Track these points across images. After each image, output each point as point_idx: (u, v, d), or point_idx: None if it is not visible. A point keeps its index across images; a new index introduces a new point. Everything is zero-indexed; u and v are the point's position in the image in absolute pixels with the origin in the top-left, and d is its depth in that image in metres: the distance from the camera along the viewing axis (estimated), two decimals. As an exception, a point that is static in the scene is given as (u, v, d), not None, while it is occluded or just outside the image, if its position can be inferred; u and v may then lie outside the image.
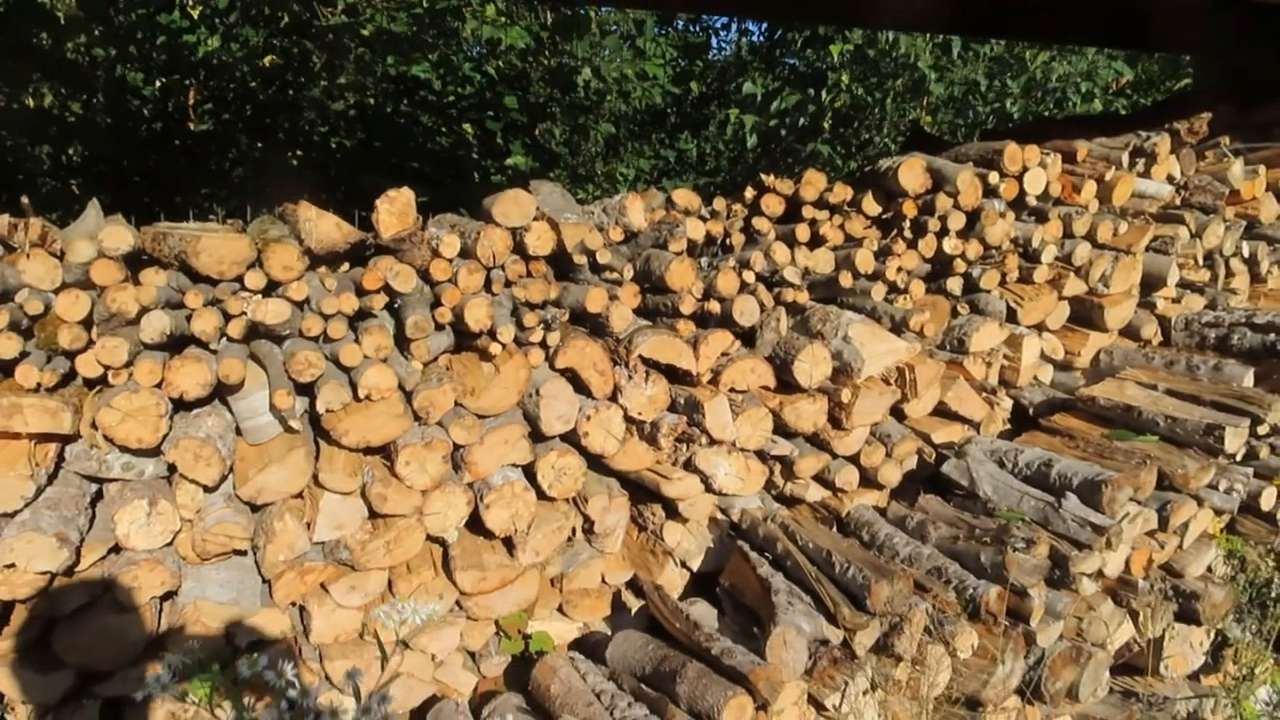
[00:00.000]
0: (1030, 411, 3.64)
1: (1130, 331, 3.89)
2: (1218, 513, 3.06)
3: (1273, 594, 3.05)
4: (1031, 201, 3.65)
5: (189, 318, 2.54)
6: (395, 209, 2.80)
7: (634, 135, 10.25)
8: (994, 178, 3.54)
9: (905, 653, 2.45)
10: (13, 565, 2.24)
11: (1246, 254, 4.20)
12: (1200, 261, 4.05)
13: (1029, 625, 2.62)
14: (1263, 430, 3.14)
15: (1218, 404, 3.18)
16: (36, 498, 2.37)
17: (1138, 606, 2.85)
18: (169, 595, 2.49)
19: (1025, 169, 3.60)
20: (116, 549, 2.46)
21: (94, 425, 2.42)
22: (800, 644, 2.37)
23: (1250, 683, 3.05)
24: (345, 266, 2.87)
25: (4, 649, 2.31)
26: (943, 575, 2.67)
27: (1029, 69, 8.01)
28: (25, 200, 2.80)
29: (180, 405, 2.54)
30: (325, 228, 2.69)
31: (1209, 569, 3.06)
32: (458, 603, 2.79)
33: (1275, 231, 4.27)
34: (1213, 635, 3.03)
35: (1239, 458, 3.14)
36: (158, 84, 7.12)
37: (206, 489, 2.52)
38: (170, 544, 2.46)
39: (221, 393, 2.62)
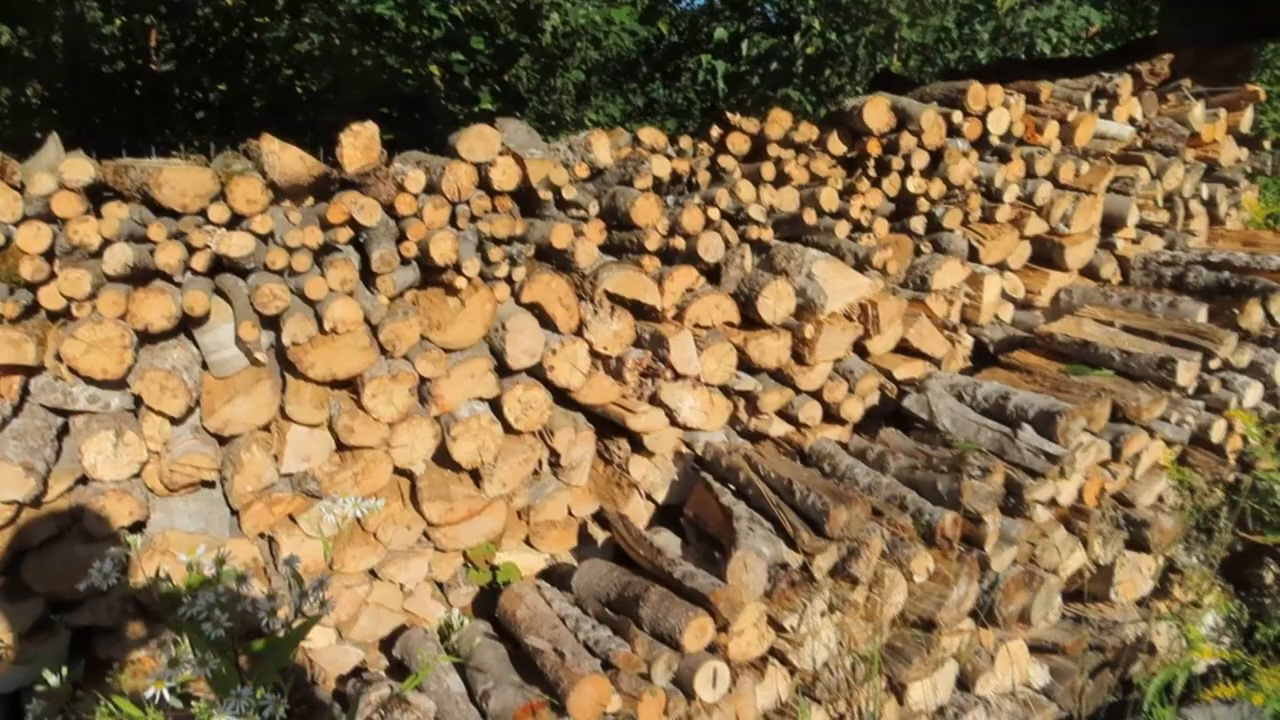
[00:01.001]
0: (991, 349, 3.71)
1: (1090, 271, 3.95)
2: (1169, 444, 3.15)
3: (1220, 523, 3.15)
4: (995, 141, 3.68)
5: (152, 251, 2.53)
6: (359, 143, 2.79)
7: (606, 84, 10.16)
8: (958, 117, 3.57)
9: (862, 576, 2.52)
10: (-21, 494, 2.25)
11: (1206, 196, 4.26)
12: (1160, 203, 4.10)
13: (983, 550, 2.70)
14: (1214, 365, 3.22)
15: (1172, 339, 3.25)
16: (2, 429, 2.38)
17: (1090, 534, 2.93)
18: (138, 526, 2.51)
19: (989, 109, 3.62)
20: (84, 480, 2.47)
21: (58, 357, 2.43)
22: (760, 567, 2.44)
23: (1198, 609, 3.16)
24: (310, 202, 2.86)
25: (-27, 577, 2.34)
26: (901, 503, 2.74)
27: (998, 15, 8.01)
28: (-19, 133, 2.76)
29: (145, 338, 2.55)
30: (288, 160, 2.68)
31: (1160, 499, 3.16)
32: (425, 534, 2.83)
33: (1234, 174, 4.34)
34: (1161, 562, 3.13)
35: (1190, 391, 3.22)
36: (117, 23, 6.96)
37: (173, 421, 2.53)
38: (138, 475, 2.48)
39: (187, 326, 2.63)
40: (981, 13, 8.18)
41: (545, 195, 3.03)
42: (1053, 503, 2.85)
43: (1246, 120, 4.36)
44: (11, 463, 2.25)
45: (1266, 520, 3.12)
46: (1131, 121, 4.11)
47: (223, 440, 2.63)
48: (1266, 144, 4.41)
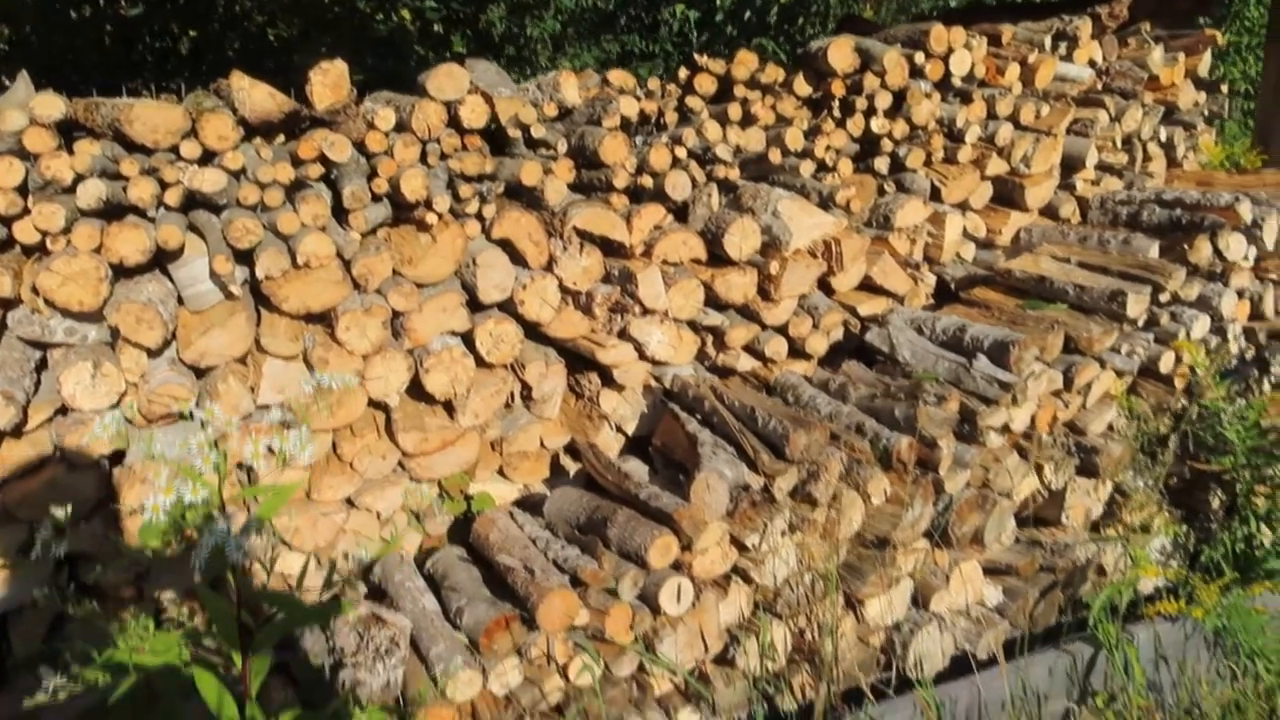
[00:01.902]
0: (953, 286, 3.80)
1: (1050, 211, 4.04)
2: (1119, 374, 3.25)
3: (1166, 450, 3.27)
4: (957, 83, 3.75)
5: (125, 187, 2.58)
6: (329, 80, 2.83)
7: (582, 35, 10.12)
8: (920, 58, 3.63)
9: (821, 497, 2.62)
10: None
11: (1164, 139, 4.35)
12: (1119, 145, 4.19)
13: (938, 474, 2.80)
14: (1164, 298, 3.32)
15: (1124, 274, 3.35)
16: (-20, 360, 2.43)
17: (1041, 460, 3.05)
18: (118, 456, 2.58)
19: (951, 50, 3.69)
20: (63, 411, 2.54)
21: (34, 290, 2.48)
22: (722, 488, 2.53)
23: (1147, 534, 3.29)
24: (281, 139, 2.90)
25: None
26: (860, 429, 2.84)
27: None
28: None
29: (120, 272, 2.60)
30: (259, 97, 2.72)
31: (1110, 427, 3.27)
32: (400, 464, 2.91)
33: (1192, 117, 4.42)
34: (1110, 487, 3.25)
35: (1141, 323, 3.33)
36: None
37: (149, 353, 2.59)
38: (116, 406, 2.54)
39: (161, 261, 2.68)
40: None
41: (514, 134, 3.09)
42: (1006, 429, 2.96)
43: (1205, 64, 4.44)
44: (-8, 391, 2.31)
45: (1211, 447, 3.25)
46: (1091, 64, 4.18)
47: (200, 373, 2.69)
48: (1224, 88, 4.49)
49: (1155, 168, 4.33)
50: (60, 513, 1.41)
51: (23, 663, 2.52)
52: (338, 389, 1.60)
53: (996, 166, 3.85)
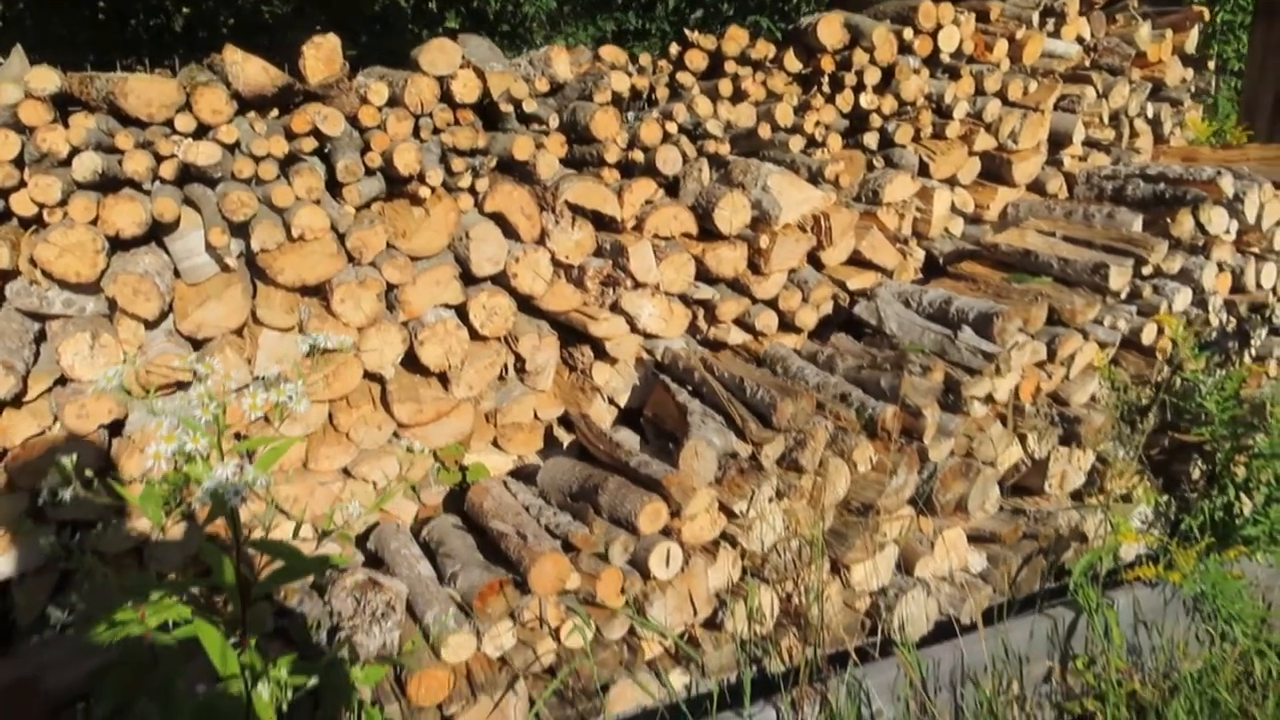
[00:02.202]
0: (940, 261, 3.85)
1: (1037, 186, 4.08)
2: (1102, 346, 3.31)
3: (1146, 419, 3.32)
4: (945, 59, 3.78)
5: (120, 160, 2.61)
6: (321, 55, 2.85)
7: (579, 14, 10.12)
8: (909, 34, 3.66)
9: (808, 465, 2.68)
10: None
11: (1151, 115, 4.39)
12: (1106, 121, 4.23)
13: (922, 442, 2.86)
14: (1146, 271, 3.37)
15: (1108, 247, 3.40)
16: (-20, 330, 2.47)
17: (1025, 429, 3.11)
18: (117, 425, 2.62)
19: (940, 26, 3.72)
20: (63, 382, 2.58)
21: (32, 262, 2.51)
22: (710, 455, 2.59)
23: (1128, 503, 3.35)
24: (274, 114, 2.93)
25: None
26: (846, 399, 2.90)
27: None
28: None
29: (117, 245, 2.63)
30: (252, 71, 2.74)
31: (1092, 398, 3.33)
32: (396, 434, 2.96)
33: (1179, 94, 4.46)
34: (1093, 456, 3.31)
35: (1123, 296, 3.38)
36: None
37: (147, 324, 2.63)
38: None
39: (158, 234, 2.71)
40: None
41: (506, 108, 3.12)
42: (989, 399, 3.01)
43: (1192, 40, 4.47)
44: (-7, 361, 2.35)
45: (1191, 418, 3.30)
46: (1079, 40, 4.21)
47: (197, 344, 2.73)
48: (1210, 65, 4.53)
49: (1142, 144, 4.37)
50: (67, 460, 1.45)
51: (25, 630, 2.58)
52: (333, 349, 1.64)
53: (984, 142, 3.89)
